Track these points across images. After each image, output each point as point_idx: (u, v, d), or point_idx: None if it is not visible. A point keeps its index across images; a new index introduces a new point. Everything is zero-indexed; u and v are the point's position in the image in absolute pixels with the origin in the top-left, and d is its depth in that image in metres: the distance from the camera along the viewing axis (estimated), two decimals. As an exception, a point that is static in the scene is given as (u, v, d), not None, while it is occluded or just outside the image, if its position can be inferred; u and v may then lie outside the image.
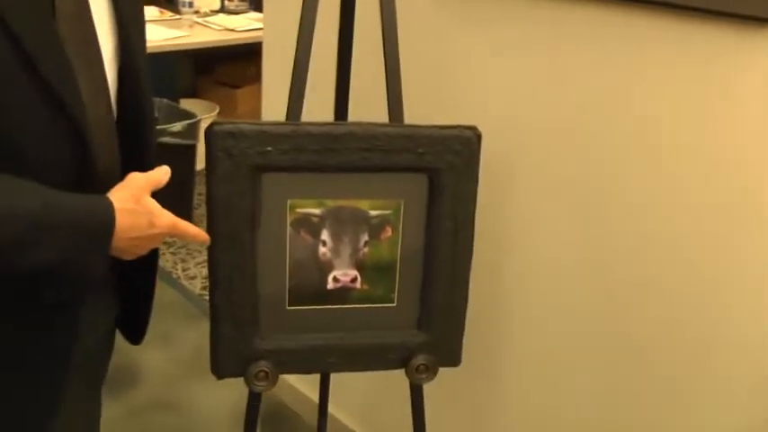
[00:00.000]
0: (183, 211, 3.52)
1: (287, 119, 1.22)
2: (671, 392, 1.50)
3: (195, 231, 1.11)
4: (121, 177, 1.05)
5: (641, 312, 1.50)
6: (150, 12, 4.13)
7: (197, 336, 2.67)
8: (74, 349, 1.05)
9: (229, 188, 1.16)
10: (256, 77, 2.21)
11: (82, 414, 1.20)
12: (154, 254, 1.16)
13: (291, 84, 1.21)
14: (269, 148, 1.15)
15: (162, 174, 1.06)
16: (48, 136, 0.93)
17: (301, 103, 1.22)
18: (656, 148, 1.39)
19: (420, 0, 1.64)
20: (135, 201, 1.00)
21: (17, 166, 0.90)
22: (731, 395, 1.42)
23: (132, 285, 1.21)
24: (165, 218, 1.04)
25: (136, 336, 1.26)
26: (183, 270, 3.29)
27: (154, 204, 1.03)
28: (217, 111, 4.21)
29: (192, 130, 3.52)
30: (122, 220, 0.97)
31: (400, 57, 1.26)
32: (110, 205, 0.97)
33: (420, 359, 1.30)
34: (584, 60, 1.44)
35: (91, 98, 0.97)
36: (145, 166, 1.06)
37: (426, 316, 1.29)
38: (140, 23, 1.12)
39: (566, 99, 1.49)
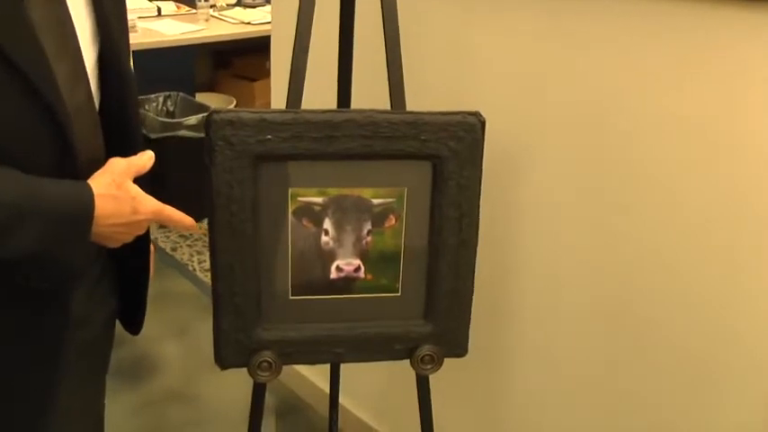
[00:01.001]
0: (200, 203, 3.53)
1: (287, 107, 1.21)
2: (678, 388, 1.48)
3: (180, 217, 1.09)
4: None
5: (650, 302, 1.47)
6: (167, 6, 4.14)
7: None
8: (68, 343, 1.04)
9: (229, 177, 1.15)
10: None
11: (80, 408, 1.19)
12: (146, 242, 1.15)
13: (291, 71, 1.20)
14: (269, 137, 1.14)
15: (145, 159, 1.04)
16: (24, 124, 0.91)
17: (301, 90, 1.20)
18: (666, 137, 1.36)
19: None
20: (116, 186, 0.99)
21: None
22: (738, 395, 1.39)
23: (126, 275, 1.20)
24: (149, 203, 1.02)
25: (134, 326, 1.25)
26: (200, 263, 3.30)
27: (136, 190, 1.01)
28: (234, 104, 4.21)
29: (204, 120, 3.53)
30: (103, 207, 0.96)
31: (404, 45, 1.25)
32: (89, 191, 0.95)
33: (425, 350, 1.28)
34: (592, 49, 1.41)
35: (68, 84, 0.95)
36: (130, 154, 1.04)
37: (432, 306, 1.27)
38: (119, 6, 1.10)
39: (573, 88, 1.47)
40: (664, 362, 1.49)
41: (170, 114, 3.71)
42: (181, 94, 3.76)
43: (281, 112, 1.15)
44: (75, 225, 0.95)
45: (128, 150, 1.06)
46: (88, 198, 0.95)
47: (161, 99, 3.70)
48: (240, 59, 4.58)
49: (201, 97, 4.09)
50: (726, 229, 1.33)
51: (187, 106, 3.72)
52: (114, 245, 1.03)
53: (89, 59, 1.00)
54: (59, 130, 0.93)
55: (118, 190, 0.99)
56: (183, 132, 3.38)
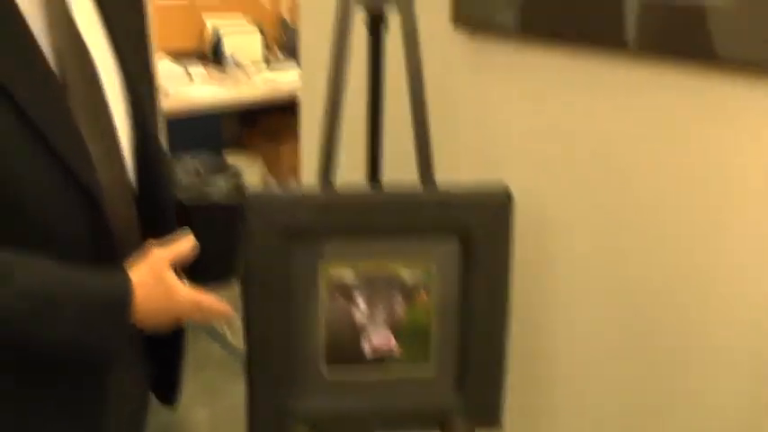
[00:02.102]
0: (226, 267, 3.55)
1: (319, 183, 1.23)
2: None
3: (218, 307, 1.09)
4: (140, 242, 1.06)
5: (683, 364, 1.46)
6: (196, 69, 4.21)
7: (242, 391, 2.67)
8: (106, 418, 1.05)
9: (262, 253, 1.17)
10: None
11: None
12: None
13: (321, 149, 1.22)
14: (301, 214, 1.17)
15: (186, 247, 1.06)
16: (61, 205, 0.94)
17: (332, 168, 1.23)
18: (692, 201, 1.37)
19: (448, 50, 1.64)
20: (155, 277, 1.01)
21: (33, 237, 0.93)
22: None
23: (162, 349, 1.21)
24: (188, 294, 1.04)
25: (169, 398, 1.26)
26: (230, 326, 3.30)
27: (174, 280, 1.03)
28: (261, 164, 4.26)
29: (235, 185, 3.57)
30: (141, 298, 0.98)
31: (433, 112, 1.26)
32: (128, 282, 0.98)
33: (458, 423, 1.28)
34: (619, 114, 1.43)
35: (103, 163, 0.98)
36: (164, 231, 1.07)
37: (464, 379, 1.28)
38: (152, 88, 1.14)
39: (598, 151, 1.48)
40: (701, 417, 1.47)
41: (198, 175, 3.75)
42: (208, 154, 3.80)
43: (313, 190, 1.17)
44: (114, 316, 0.97)
45: (162, 226, 1.09)
46: (127, 290, 0.97)
47: (190, 160, 3.76)
48: (267, 118, 4.64)
49: (229, 156, 4.14)
50: (758, 290, 1.33)
51: (214, 166, 3.76)
52: (151, 331, 1.05)
53: (123, 139, 1.04)
54: (95, 208, 0.97)
55: (156, 280, 1.01)
56: (211, 194, 3.41)
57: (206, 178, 3.89)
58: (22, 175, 0.90)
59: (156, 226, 1.10)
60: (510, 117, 1.60)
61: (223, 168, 3.99)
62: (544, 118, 1.55)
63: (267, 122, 4.62)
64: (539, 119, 1.55)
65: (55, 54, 0.93)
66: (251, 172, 4.15)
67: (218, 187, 3.61)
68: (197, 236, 1.12)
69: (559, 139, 1.53)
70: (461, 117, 1.68)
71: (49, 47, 0.92)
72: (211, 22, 4.41)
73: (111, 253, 1.01)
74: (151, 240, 1.06)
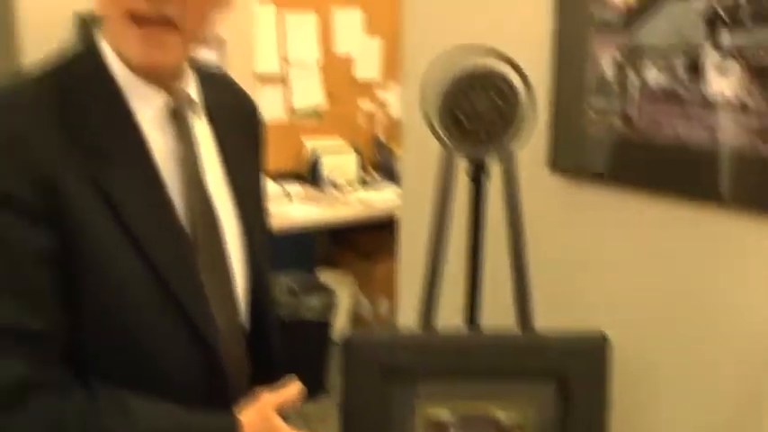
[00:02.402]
0: (315, 386, 3.58)
1: (419, 324, 1.28)
2: None
3: None
4: (249, 377, 1.12)
5: None
6: (293, 188, 4.36)
7: None
8: None
9: (361, 392, 1.22)
10: (394, 249, 2.31)
11: None
12: None
13: (422, 293, 1.27)
14: (400, 356, 1.21)
15: (293, 393, 1.09)
16: (179, 353, 1.01)
17: (433, 312, 1.28)
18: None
19: (545, 194, 1.68)
20: (262, 419, 1.05)
21: (153, 380, 0.99)
22: None
23: None
24: None
25: None
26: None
27: (279, 422, 1.06)
28: (353, 282, 4.32)
29: (328, 304, 3.66)
30: None
31: (532, 257, 1.30)
32: (237, 425, 1.02)
33: None
34: (714, 262, 1.43)
35: (219, 309, 1.05)
36: (270, 362, 1.13)
37: None
38: (264, 221, 1.23)
39: (691, 297, 1.48)
40: None
41: (293, 294, 3.83)
42: (302, 272, 3.89)
43: (412, 332, 1.22)
44: None
45: (268, 359, 1.15)
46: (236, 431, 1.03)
47: (284, 279, 3.84)
48: (360, 236, 4.72)
49: (322, 275, 4.22)
50: None
51: (308, 285, 3.84)
52: None
53: (239, 281, 1.11)
54: (210, 352, 1.04)
55: (262, 421, 1.05)
56: (304, 313, 3.50)
57: (300, 297, 3.99)
58: (146, 323, 0.99)
59: (262, 357, 1.15)
60: (604, 259, 1.62)
61: (316, 287, 4.10)
62: (639, 262, 1.56)
63: (360, 241, 4.70)
64: (634, 262, 1.57)
65: (187, 213, 1.02)
66: (342, 290, 4.21)
67: (312, 306, 3.71)
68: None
69: (653, 283, 1.54)
70: (557, 259, 1.71)
71: (183, 207, 1.02)
72: (310, 144, 4.58)
73: (223, 390, 1.06)
74: (261, 387, 1.11)
